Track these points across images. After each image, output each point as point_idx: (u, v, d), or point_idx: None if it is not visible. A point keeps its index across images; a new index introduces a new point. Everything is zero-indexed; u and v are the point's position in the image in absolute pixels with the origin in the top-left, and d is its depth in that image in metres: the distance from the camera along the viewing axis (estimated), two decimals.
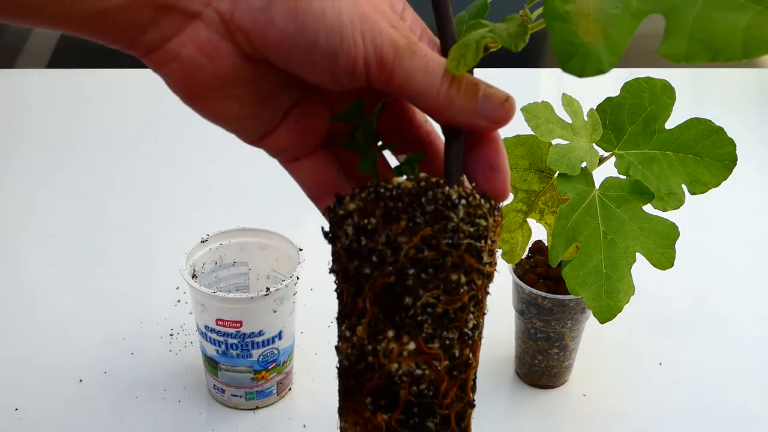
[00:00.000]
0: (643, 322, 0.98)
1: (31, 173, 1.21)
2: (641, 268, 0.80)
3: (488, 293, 0.46)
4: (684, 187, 0.80)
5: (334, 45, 0.42)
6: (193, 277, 0.86)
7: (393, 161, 0.51)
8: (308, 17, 0.42)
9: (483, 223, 0.44)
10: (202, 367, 0.89)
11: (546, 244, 0.88)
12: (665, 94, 0.80)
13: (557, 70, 1.79)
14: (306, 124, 0.48)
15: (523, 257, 0.87)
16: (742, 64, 2.46)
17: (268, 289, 0.81)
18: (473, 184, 0.46)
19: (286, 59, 0.43)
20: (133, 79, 1.39)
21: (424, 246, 0.42)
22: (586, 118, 0.79)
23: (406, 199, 0.43)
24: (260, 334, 0.83)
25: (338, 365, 0.45)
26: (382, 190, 0.43)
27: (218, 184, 1.19)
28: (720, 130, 0.80)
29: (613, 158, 0.80)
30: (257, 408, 0.88)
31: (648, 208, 0.78)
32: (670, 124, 0.80)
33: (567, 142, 0.77)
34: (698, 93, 1.44)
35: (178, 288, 1.01)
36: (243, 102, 0.46)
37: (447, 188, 0.43)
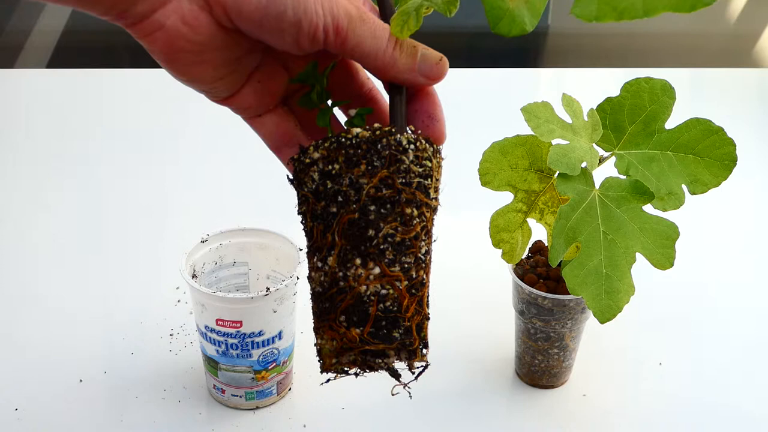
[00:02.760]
0: (643, 322, 0.98)
1: (31, 173, 1.21)
2: (641, 268, 0.80)
3: (434, 225, 0.53)
4: (684, 187, 0.80)
5: (299, 15, 0.49)
6: (193, 277, 0.86)
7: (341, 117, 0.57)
8: (246, 14, 0.49)
9: (428, 164, 0.51)
10: (202, 367, 0.89)
11: (546, 244, 0.88)
12: (665, 94, 0.80)
13: (557, 70, 1.79)
14: (267, 84, 0.55)
15: (523, 257, 0.87)
16: (743, 64, 2.46)
17: (268, 289, 0.81)
18: (418, 131, 0.52)
19: (258, 28, 0.50)
20: (133, 80, 1.39)
21: (382, 186, 0.49)
22: (586, 118, 0.79)
23: (365, 146, 0.50)
24: (260, 334, 0.83)
25: (311, 292, 0.53)
26: (343, 140, 0.50)
27: (218, 184, 1.19)
28: (720, 130, 0.80)
29: (613, 158, 0.80)
30: (257, 408, 0.88)
31: (648, 208, 0.78)
32: (670, 124, 0.80)
33: (567, 142, 0.77)
34: (698, 93, 1.44)
35: (178, 288, 1.01)
36: (215, 66, 0.52)
37: (398, 135, 0.50)
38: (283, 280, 0.83)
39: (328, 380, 0.54)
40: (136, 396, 0.89)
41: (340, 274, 0.50)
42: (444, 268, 1.05)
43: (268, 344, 0.84)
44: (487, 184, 0.81)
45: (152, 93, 1.33)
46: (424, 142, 0.51)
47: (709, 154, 0.80)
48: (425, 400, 0.90)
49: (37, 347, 0.94)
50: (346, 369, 0.53)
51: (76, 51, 1.92)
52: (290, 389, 0.91)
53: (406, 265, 0.50)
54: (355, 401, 0.89)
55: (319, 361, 0.54)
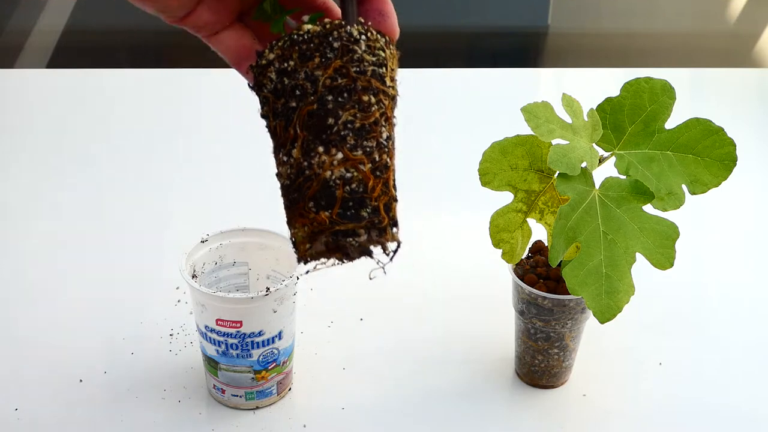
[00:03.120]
0: (643, 322, 0.98)
1: (31, 173, 1.21)
2: (641, 268, 0.80)
3: (394, 114, 0.54)
4: (684, 187, 0.80)
5: None
6: (193, 277, 0.86)
7: None
8: None
9: (382, 53, 0.53)
10: (202, 367, 0.90)
11: (546, 244, 0.88)
12: (665, 94, 0.80)
13: (557, 70, 1.79)
14: (221, 1, 0.55)
15: (523, 257, 0.87)
16: (743, 64, 2.46)
17: (268, 289, 0.81)
18: (368, 23, 0.53)
19: None
20: (133, 79, 1.39)
21: (337, 75, 0.51)
22: (586, 118, 0.79)
23: (317, 40, 0.51)
24: (260, 334, 0.83)
25: (281, 188, 0.54)
26: (296, 37, 0.51)
27: (218, 184, 1.19)
28: (720, 130, 0.80)
29: (613, 158, 0.80)
30: (257, 408, 0.88)
31: (648, 208, 0.78)
32: (670, 124, 0.80)
33: (567, 142, 0.77)
34: (698, 93, 1.44)
35: (178, 288, 1.01)
36: None
37: (348, 27, 0.51)
38: (283, 280, 0.83)
39: (308, 272, 0.55)
40: (136, 396, 0.89)
41: (305, 163, 0.51)
42: (444, 268, 1.06)
43: (268, 344, 0.84)
44: (487, 184, 0.81)
45: (152, 93, 1.33)
46: (375, 33, 0.53)
47: (709, 154, 0.80)
48: (425, 400, 0.90)
49: (37, 347, 0.94)
50: (321, 257, 0.53)
51: (76, 51, 1.92)
52: (290, 389, 0.91)
53: (368, 149, 0.52)
54: (355, 401, 0.89)
55: (295, 252, 0.54)
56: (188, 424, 0.87)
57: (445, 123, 1.30)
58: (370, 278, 0.59)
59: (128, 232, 1.10)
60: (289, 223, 0.54)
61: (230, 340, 0.83)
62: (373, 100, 0.52)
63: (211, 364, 0.86)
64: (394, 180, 0.54)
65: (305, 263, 0.54)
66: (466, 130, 1.28)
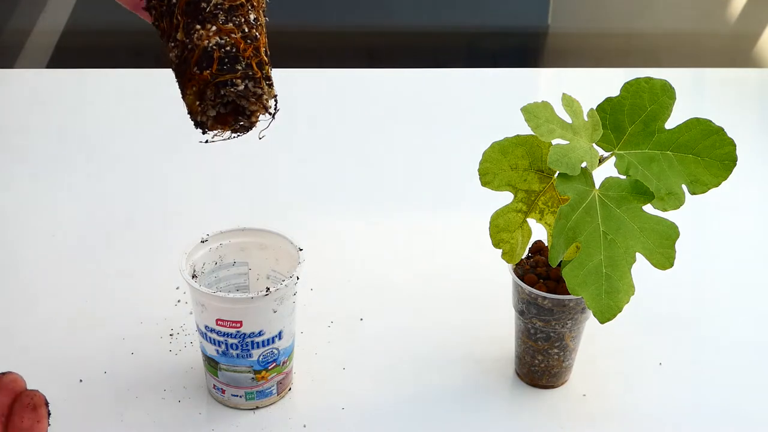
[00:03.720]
0: (643, 322, 0.98)
1: (31, 173, 1.21)
2: (641, 268, 0.80)
3: (264, 4, 0.65)
4: (684, 187, 0.80)
5: None
6: (193, 277, 0.86)
7: None
8: None
9: None
10: (202, 367, 0.90)
11: (546, 244, 0.88)
12: (665, 94, 0.80)
13: (557, 70, 1.79)
14: None
15: (523, 257, 0.87)
16: (743, 64, 2.46)
17: (268, 289, 0.81)
18: None
19: None
20: (133, 79, 1.39)
21: None
22: (586, 118, 0.79)
23: None
24: (260, 334, 0.83)
25: (172, 69, 0.63)
26: None
27: (218, 184, 1.19)
28: (720, 130, 0.80)
29: (613, 158, 0.80)
30: (257, 408, 0.88)
31: (648, 208, 0.78)
32: (670, 124, 0.80)
33: (567, 142, 0.77)
34: (698, 93, 1.44)
35: (178, 288, 1.01)
36: None
37: None
38: (283, 280, 0.83)
39: (207, 141, 0.63)
40: (136, 396, 0.89)
41: (187, 40, 0.61)
42: (444, 268, 1.06)
43: (268, 344, 0.84)
44: (487, 184, 0.81)
45: (152, 93, 1.33)
46: None
47: (709, 154, 0.80)
48: (425, 400, 0.90)
49: (37, 347, 0.94)
50: (216, 123, 0.62)
51: (76, 51, 1.92)
52: (290, 389, 0.91)
53: (236, 22, 0.61)
54: (355, 401, 0.89)
55: (191, 119, 0.62)
56: (188, 424, 0.87)
57: (445, 123, 1.30)
58: (260, 138, 0.65)
59: (128, 232, 1.10)
60: (182, 91, 0.62)
61: (230, 340, 0.83)
62: None
63: (211, 364, 0.86)
64: (265, 50, 0.63)
65: (203, 131, 0.62)
66: (466, 130, 1.28)
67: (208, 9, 0.61)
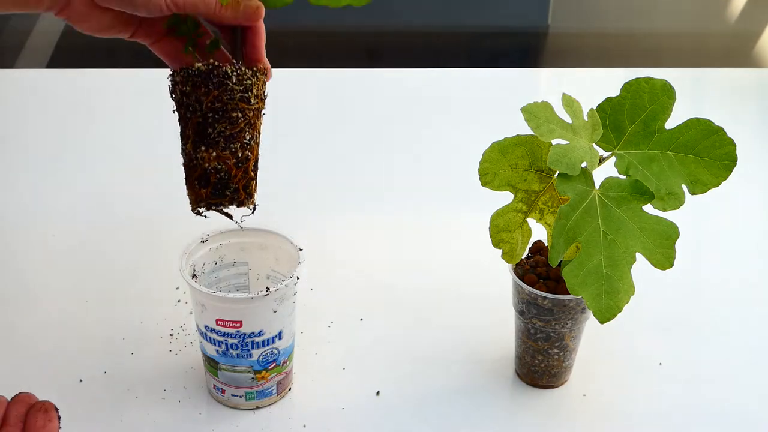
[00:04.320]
0: (643, 322, 0.98)
1: (31, 173, 1.21)
2: (641, 268, 0.80)
3: (261, 117, 0.78)
4: (684, 187, 0.80)
5: (143, 8, 0.72)
6: (193, 277, 0.86)
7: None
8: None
9: (248, 82, 0.75)
10: (202, 367, 0.90)
11: (546, 244, 0.88)
12: (665, 94, 0.80)
13: (557, 70, 1.79)
14: (151, 24, 0.78)
15: (523, 257, 0.87)
16: (743, 64, 2.46)
17: (268, 289, 0.81)
18: (241, 62, 0.76)
19: (119, 7, 0.73)
20: (133, 79, 1.39)
21: (215, 101, 0.74)
22: (586, 118, 0.79)
23: (203, 76, 0.74)
24: (260, 334, 0.83)
25: (182, 162, 0.78)
26: (190, 72, 0.74)
27: None
28: (720, 130, 0.80)
29: (613, 158, 0.80)
30: (257, 408, 0.88)
31: (648, 208, 0.78)
32: (670, 124, 0.80)
33: (567, 142, 0.77)
34: (698, 93, 1.44)
35: (178, 288, 1.01)
36: (105, 26, 0.76)
37: (224, 67, 0.74)
38: (283, 280, 0.83)
39: (199, 213, 0.78)
40: (136, 396, 0.89)
41: (194, 155, 0.76)
42: (444, 268, 1.06)
43: (268, 344, 0.84)
44: (487, 184, 0.81)
45: (152, 93, 1.33)
46: (244, 69, 0.75)
47: (709, 154, 0.80)
48: (425, 400, 0.90)
49: (37, 347, 0.94)
50: (201, 211, 0.78)
51: (76, 51, 1.92)
52: (290, 389, 0.91)
53: (233, 149, 0.75)
54: (355, 401, 0.89)
55: (190, 204, 0.78)
56: (188, 424, 0.87)
57: (445, 123, 1.30)
58: (239, 224, 0.85)
59: (128, 232, 1.10)
60: (187, 186, 0.78)
61: (230, 340, 0.83)
62: (240, 115, 0.75)
63: (211, 364, 0.86)
64: (254, 165, 0.78)
65: (197, 215, 0.78)
66: (466, 130, 1.28)
67: (212, 135, 0.75)
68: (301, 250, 0.86)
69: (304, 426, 0.87)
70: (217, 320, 0.82)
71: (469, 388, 0.91)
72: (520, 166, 0.80)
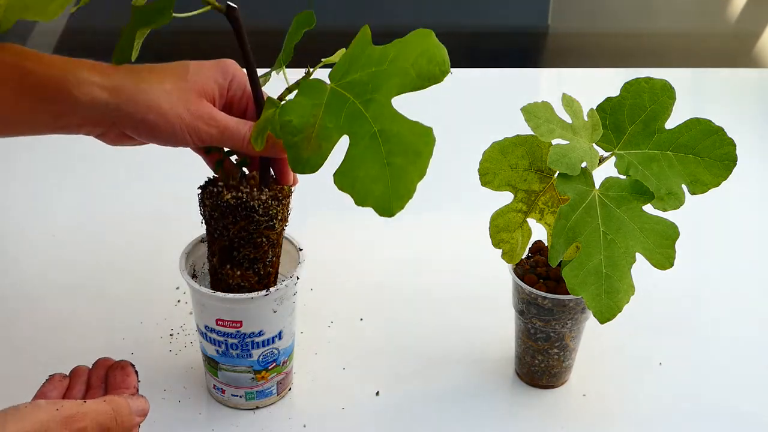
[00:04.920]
0: (643, 322, 0.98)
1: (31, 173, 1.21)
2: (641, 268, 0.80)
3: (284, 231, 0.83)
4: (684, 187, 0.80)
5: (172, 143, 0.77)
6: (193, 276, 0.86)
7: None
8: (149, 134, 0.76)
9: (273, 211, 0.79)
10: (202, 367, 0.90)
11: (546, 244, 0.88)
12: (665, 94, 0.80)
13: (557, 70, 1.79)
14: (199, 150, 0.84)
15: (523, 257, 0.87)
16: (743, 64, 2.46)
17: (268, 288, 0.81)
18: (268, 190, 0.79)
19: (147, 141, 0.78)
20: None
21: (241, 230, 0.79)
22: (586, 118, 0.79)
23: (231, 207, 0.78)
24: (260, 334, 0.83)
25: (208, 267, 0.85)
26: (220, 202, 0.78)
27: None
28: (720, 130, 0.80)
29: (613, 158, 0.80)
30: (257, 408, 0.88)
31: (648, 208, 0.78)
32: (670, 124, 0.80)
33: (567, 142, 0.77)
34: (698, 93, 1.44)
35: (178, 288, 1.01)
36: (137, 142, 0.80)
37: (251, 201, 0.78)
38: (283, 280, 0.83)
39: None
40: None
41: (220, 269, 0.81)
42: (444, 268, 1.06)
43: (268, 344, 0.84)
44: (487, 184, 0.81)
45: None
46: (270, 201, 0.79)
47: (709, 154, 0.80)
48: (425, 400, 0.90)
49: (37, 347, 0.94)
50: None
51: (76, 51, 1.92)
52: (290, 389, 0.91)
53: (256, 269, 0.81)
54: (355, 401, 0.89)
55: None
56: (188, 424, 0.87)
57: (445, 123, 1.30)
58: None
59: (128, 232, 1.10)
60: (210, 276, 0.84)
61: (230, 340, 0.83)
62: (264, 240, 0.80)
63: (211, 364, 0.86)
64: (276, 273, 0.83)
65: None
66: (466, 130, 1.28)
67: (237, 258, 0.80)
68: (301, 250, 0.86)
69: (304, 426, 0.87)
70: (217, 320, 0.82)
71: (469, 388, 0.91)
72: (520, 166, 0.80)
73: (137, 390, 0.75)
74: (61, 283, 1.03)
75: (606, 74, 1.52)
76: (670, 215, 0.78)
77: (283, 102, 0.73)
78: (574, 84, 1.45)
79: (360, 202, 0.70)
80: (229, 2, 0.75)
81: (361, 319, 0.99)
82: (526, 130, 0.78)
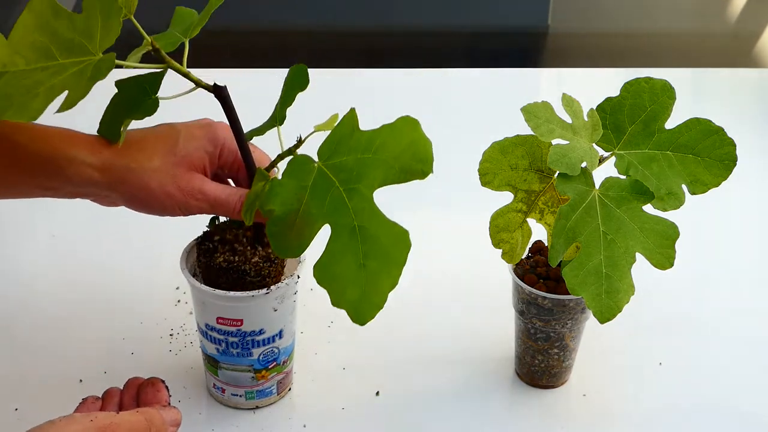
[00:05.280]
0: (643, 322, 0.98)
1: None
2: (641, 268, 0.80)
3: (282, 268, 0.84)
4: (684, 187, 0.80)
5: (163, 213, 0.78)
6: (193, 275, 0.86)
7: None
8: (141, 209, 0.79)
9: (265, 272, 0.81)
10: (202, 367, 0.90)
11: (546, 244, 0.88)
12: (665, 94, 0.80)
13: (557, 70, 1.79)
14: None
15: (523, 257, 0.87)
16: (743, 64, 2.46)
17: (269, 287, 0.81)
18: (261, 249, 0.82)
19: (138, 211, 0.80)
20: None
21: (234, 284, 0.81)
22: (586, 118, 0.79)
23: (223, 270, 0.80)
24: (261, 332, 0.83)
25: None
26: (211, 264, 0.81)
27: None
28: (720, 130, 0.80)
29: (613, 158, 0.80)
30: (257, 408, 0.88)
31: (648, 208, 0.78)
32: (670, 124, 0.80)
33: (567, 142, 0.77)
34: (698, 93, 1.44)
35: (178, 288, 1.01)
36: None
37: (243, 265, 0.80)
38: (284, 279, 0.83)
39: None
40: None
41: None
42: (444, 268, 1.06)
43: (268, 343, 0.84)
44: (487, 184, 0.81)
45: None
46: (262, 263, 0.80)
47: (709, 154, 0.80)
48: (425, 400, 0.90)
49: (37, 347, 0.94)
50: None
51: None
52: (290, 389, 0.91)
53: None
54: (355, 401, 0.89)
55: None
56: (188, 424, 0.87)
57: (445, 123, 1.30)
58: None
59: (128, 231, 1.10)
60: None
61: (231, 339, 0.83)
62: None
63: (212, 363, 0.86)
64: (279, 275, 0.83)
65: None
66: (466, 130, 1.28)
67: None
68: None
69: (304, 426, 0.87)
70: (217, 318, 0.82)
71: (469, 388, 0.91)
72: (520, 166, 0.80)
73: (169, 404, 0.76)
74: (61, 283, 1.03)
75: (606, 74, 1.52)
76: (670, 215, 0.78)
77: (272, 178, 0.74)
78: (574, 84, 1.45)
79: (335, 303, 0.72)
80: (216, 83, 0.75)
81: None
82: (526, 130, 0.78)
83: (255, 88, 1.09)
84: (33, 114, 0.69)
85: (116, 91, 0.78)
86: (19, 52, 0.70)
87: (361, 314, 0.71)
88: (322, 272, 0.71)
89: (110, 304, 1.00)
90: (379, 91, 1.37)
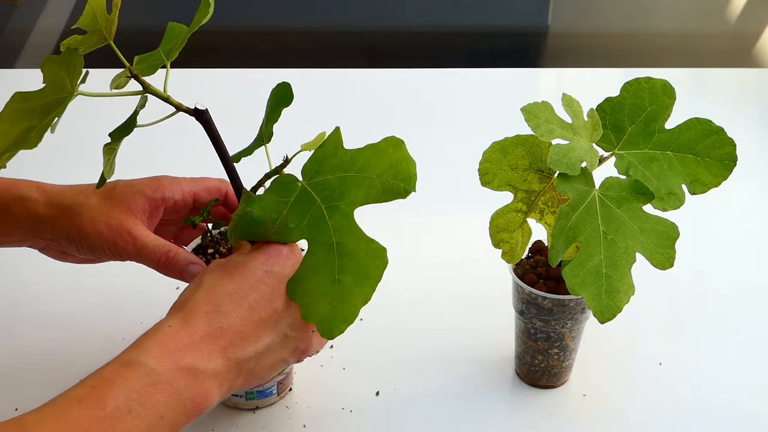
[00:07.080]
0: (643, 322, 0.98)
1: (31, 172, 1.21)
2: (641, 268, 0.80)
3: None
4: (684, 187, 0.80)
5: (100, 256, 0.81)
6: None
7: None
8: (78, 248, 0.81)
9: None
10: None
11: (546, 244, 0.88)
12: (665, 94, 0.80)
13: (557, 70, 1.79)
14: (163, 232, 0.87)
15: (523, 257, 0.87)
16: (743, 64, 2.46)
17: None
18: None
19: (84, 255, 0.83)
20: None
21: None
22: (586, 118, 0.79)
23: None
24: None
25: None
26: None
27: None
28: (720, 130, 0.80)
29: (613, 158, 0.80)
30: (257, 408, 0.88)
31: (648, 208, 0.78)
32: (670, 124, 0.80)
33: (567, 142, 0.77)
34: (698, 93, 1.44)
35: (178, 288, 1.01)
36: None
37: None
38: None
39: None
40: None
41: None
42: (444, 268, 1.06)
43: None
44: (487, 184, 0.81)
45: None
46: None
47: (709, 154, 0.80)
48: (425, 400, 0.90)
49: (37, 347, 0.94)
50: None
51: None
52: (290, 389, 0.91)
53: None
54: (355, 401, 0.89)
55: None
56: (188, 423, 0.87)
57: (445, 123, 1.30)
58: None
59: None
60: None
61: None
62: None
63: None
64: None
65: None
66: (466, 130, 1.28)
67: None
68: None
69: (304, 426, 0.87)
70: None
71: (469, 388, 0.91)
72: (520, 166, 0.80)
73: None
74: (61, 283, 1.03)
75: (606, 74, 1.52)
76: (670, 215, 0.78)
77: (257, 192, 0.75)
78: (574, 84, 1.45)
79: (304, 316, 0.72)
80: (197, 106, 0.75)
81: (361, 319, 0.98)
82: (526, 130, 0.78)
83: (255, 88, 1.09)
84: (32, 144, 0.76)
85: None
86: (8, 140, 0.78)
87: (331, 329, 0.71)
88: (295, 286, 0.72)
89: (110, 304, 1.00)
90: (379, 91, 1.37)
